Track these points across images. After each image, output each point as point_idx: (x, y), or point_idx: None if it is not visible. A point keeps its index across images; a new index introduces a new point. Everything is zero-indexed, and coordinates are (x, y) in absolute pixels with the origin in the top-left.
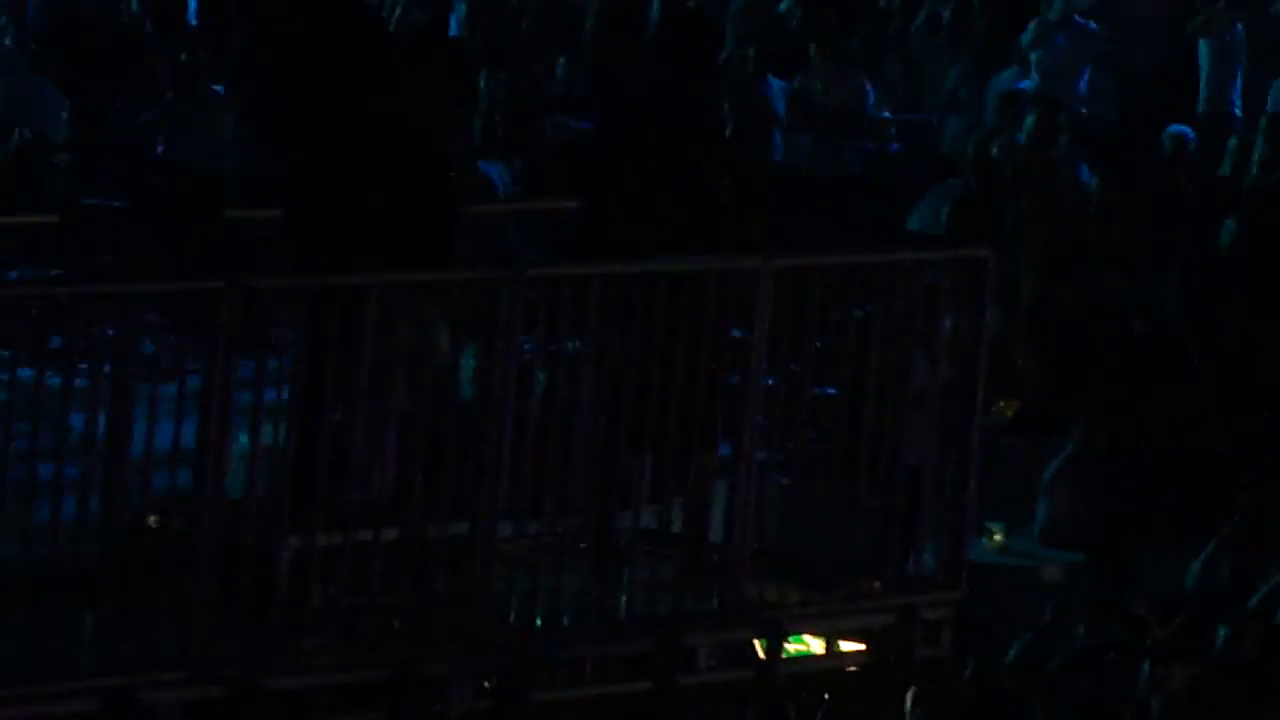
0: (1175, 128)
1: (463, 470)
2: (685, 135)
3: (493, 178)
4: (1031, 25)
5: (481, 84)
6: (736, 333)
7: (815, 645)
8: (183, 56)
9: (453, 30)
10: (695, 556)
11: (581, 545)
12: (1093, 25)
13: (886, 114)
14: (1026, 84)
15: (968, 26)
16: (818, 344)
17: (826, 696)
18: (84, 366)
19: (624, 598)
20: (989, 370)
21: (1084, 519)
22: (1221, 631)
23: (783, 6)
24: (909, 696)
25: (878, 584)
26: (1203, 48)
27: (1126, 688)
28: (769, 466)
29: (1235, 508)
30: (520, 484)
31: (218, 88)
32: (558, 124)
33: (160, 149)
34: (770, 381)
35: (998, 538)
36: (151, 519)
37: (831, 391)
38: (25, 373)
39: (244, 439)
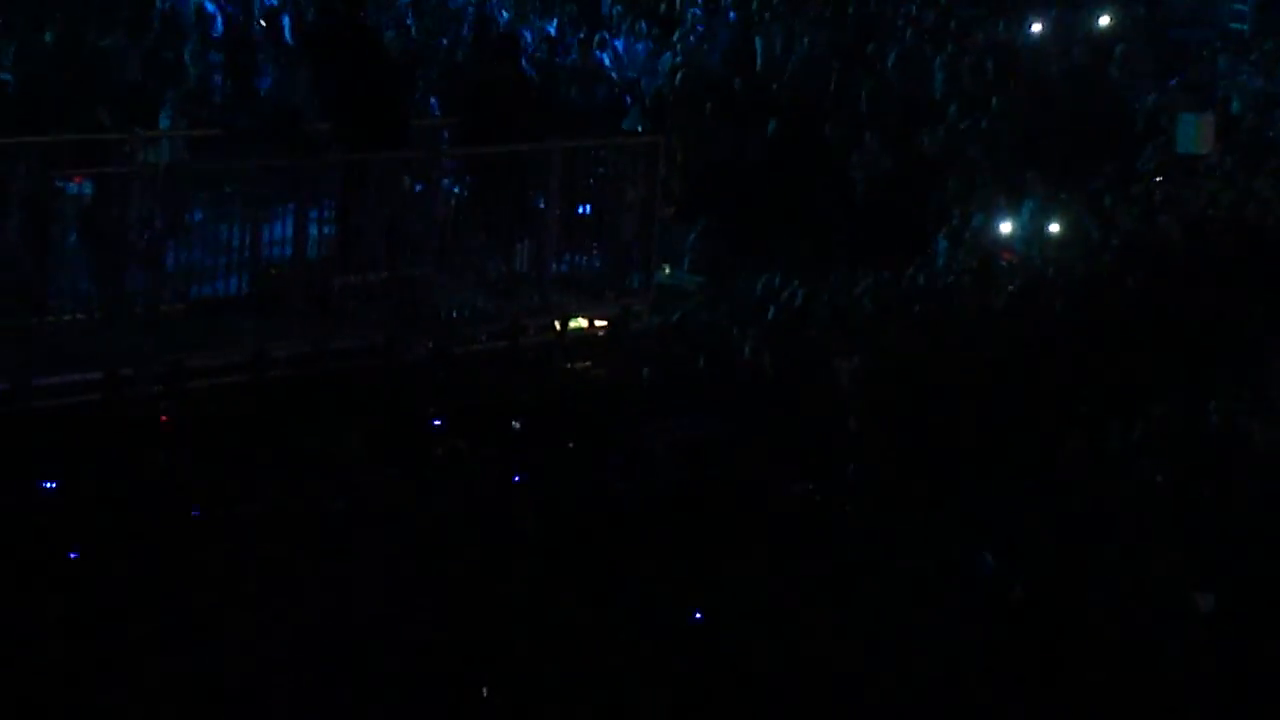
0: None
1: (422, 246)
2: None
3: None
4: (677, 32)
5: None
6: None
7: (583, 323)
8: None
9: None
10: (528, 283)
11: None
12: (700, 28)
13: (614, 75)
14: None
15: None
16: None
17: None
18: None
19: (493, 302)
20: (662, 192)
21: (707, 261)
22: (770, 311)
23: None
24: (629, 344)
25: (612, 293)
26: (758, 40)
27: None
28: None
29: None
30: (446, 251)
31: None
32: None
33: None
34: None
35: (667, 270)
36: (273, 269)
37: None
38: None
39: (314, 231)
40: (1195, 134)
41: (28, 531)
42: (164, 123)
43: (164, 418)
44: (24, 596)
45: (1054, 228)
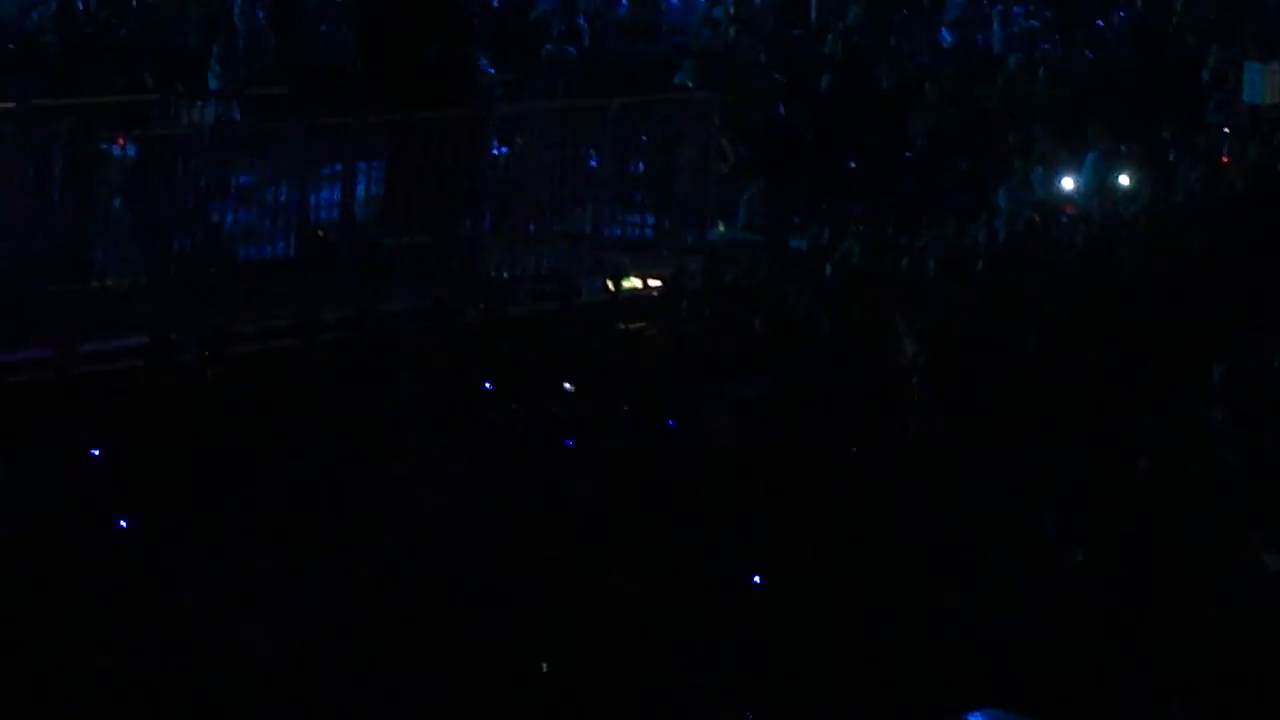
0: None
1: (472, 205)
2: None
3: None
4: None
5: None
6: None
7: (637, 283)
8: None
9: None
10: (581, 243)
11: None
12: None
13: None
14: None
15: None
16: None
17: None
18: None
19: (545, 262)
20: (716, 150)
21: (761, 221)
22: (827, 266)
23: None
24: (683, 304)
25: (666, 252)
26: None
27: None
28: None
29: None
30: (497, 210)
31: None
32: None
33: None
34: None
35: (722, 228)
36: (321, 231)
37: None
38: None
39: (360, 190)
40: (1262, 83)
41: (74, 500)
42: (211, 83)
43: (200, 383)
44: (70, 566)
45: (1119, 180)
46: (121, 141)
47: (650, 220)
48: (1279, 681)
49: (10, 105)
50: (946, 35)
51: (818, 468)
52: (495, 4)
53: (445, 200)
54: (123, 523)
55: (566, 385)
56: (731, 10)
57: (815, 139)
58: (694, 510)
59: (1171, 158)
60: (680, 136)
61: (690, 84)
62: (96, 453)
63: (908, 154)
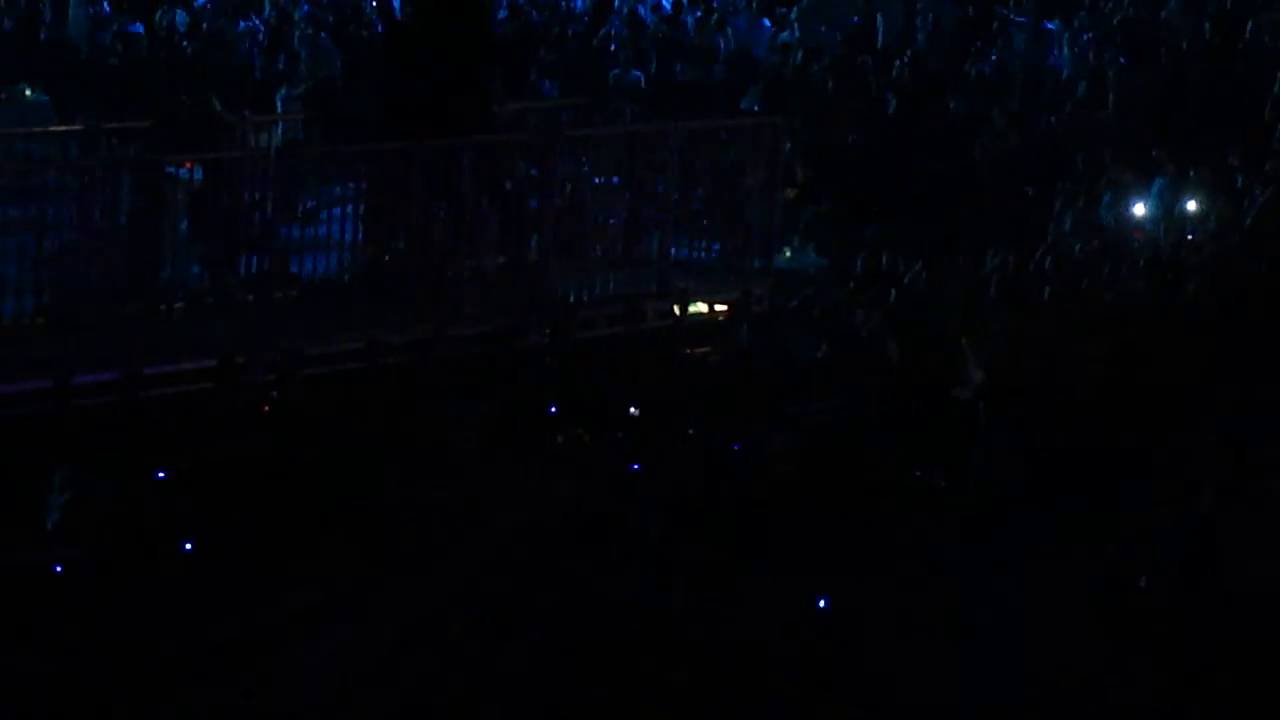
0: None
1: (540, 226)
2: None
3: None
4: (795, 9)
5: None
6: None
7: (703, 307)
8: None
9: None
10: (647, 267)
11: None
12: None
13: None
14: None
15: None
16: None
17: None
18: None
19: (611, 285)
20: (783, 175)
21: (827, 244)
22: (893, 292)
23: None
24: (750, 329)
25: (732, 277)
26: (879, 18)
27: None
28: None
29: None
30: (563, 235)
31: None
32: None
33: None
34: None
35: (788, 253)
36: (387, 255)
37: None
38: None
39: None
40: None
41: (141, 522)
42: (280, 107)
43: (267, 406)
44: (137, 588)
45: (1186, 206)
46: (189, 165)
47: (716, 245)
48: None
49: (79, 128)
50: (1014, 61)
51: (883, 492)
52: (562, 29)
53: (511, 225)
54: (188, 545)
55: (632, 409)
56: (798, 35)
57: (882, 164)
58: (760, 534)
59: (1239, 183)
60: (747, 161)
61: (757, 109)
62: (162, 475)
63: (975, 179)
